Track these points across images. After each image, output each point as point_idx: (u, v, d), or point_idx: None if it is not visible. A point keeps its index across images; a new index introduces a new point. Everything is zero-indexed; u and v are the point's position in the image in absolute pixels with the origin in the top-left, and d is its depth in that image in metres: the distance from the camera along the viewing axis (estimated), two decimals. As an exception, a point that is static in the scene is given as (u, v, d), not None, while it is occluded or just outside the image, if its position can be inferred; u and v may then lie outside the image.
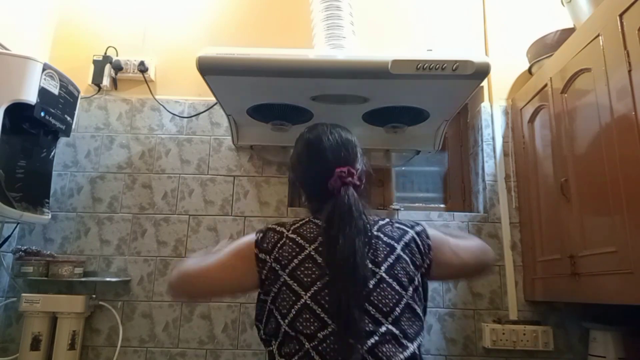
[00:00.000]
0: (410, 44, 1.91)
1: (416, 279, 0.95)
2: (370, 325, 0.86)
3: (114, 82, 1.86)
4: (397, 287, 0.91)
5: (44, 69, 1.43)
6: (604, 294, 1.18)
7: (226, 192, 1.75)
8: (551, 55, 1.56)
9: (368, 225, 0.95)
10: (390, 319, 0.88)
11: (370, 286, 0.89)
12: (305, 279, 0.90)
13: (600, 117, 1.20)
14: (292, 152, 1.10)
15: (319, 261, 0.91)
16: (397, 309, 0.89)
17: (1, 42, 1.55)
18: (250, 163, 1.78)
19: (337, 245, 0.88)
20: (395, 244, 0.96)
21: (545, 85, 1.51)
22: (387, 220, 1.02)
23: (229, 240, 1.29)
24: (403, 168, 1.95)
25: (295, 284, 0.90)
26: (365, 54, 1.28)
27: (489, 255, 1.14)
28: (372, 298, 0.88)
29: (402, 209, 1.80)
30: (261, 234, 0.99)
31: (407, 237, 0.99)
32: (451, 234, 1.13)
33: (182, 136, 1.81)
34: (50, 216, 1.59)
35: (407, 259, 0.95)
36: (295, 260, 0.92)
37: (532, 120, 1.63)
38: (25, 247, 1.60)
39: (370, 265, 0.91)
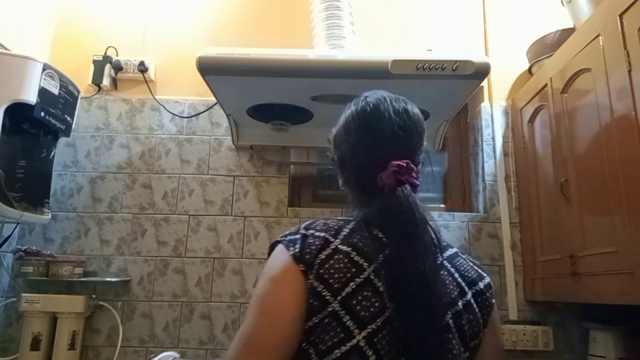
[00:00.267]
0: (410, 44, 1.91)
1: (477, 341, 0.72)
2: None
3: (114, 82, 1.86)
4: (458, 346, 0.69)
5: (44, 69, 1.43)
6: (604, 294, 1.18)
7: (226, 192, 1.75)
8: (551, 55, 1.56)
9: (435, 248, 0.71)
10: None
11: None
12: (362, 313, 0.65)
13: (600, 117, 1.20)
14: (341, 119, 0.85)
15: (381, 289, 0.66)
16: None
17: (1, 42, 1.55)
18: (250, 163, 1.78)
19: (403, 268, 0.66)
20: (466, 288, 0.73)
21: (545, 85, 1.51)
22: (455, 250, 0.79)
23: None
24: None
25: (348, 317, 0.65)
26: (365, 54, 1.28)
27: None
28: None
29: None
30: (296, 243, 0.70)
31: (482, 284, 0.76)
32: None
33: (182, 136, 1.81)
34: (50, 216, 1.59)
35: (478, 311, 0.73)
36: (352, 284, 0.66)
37: (532, 120, 1.63)
38: (25, 247, 1.60)
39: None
